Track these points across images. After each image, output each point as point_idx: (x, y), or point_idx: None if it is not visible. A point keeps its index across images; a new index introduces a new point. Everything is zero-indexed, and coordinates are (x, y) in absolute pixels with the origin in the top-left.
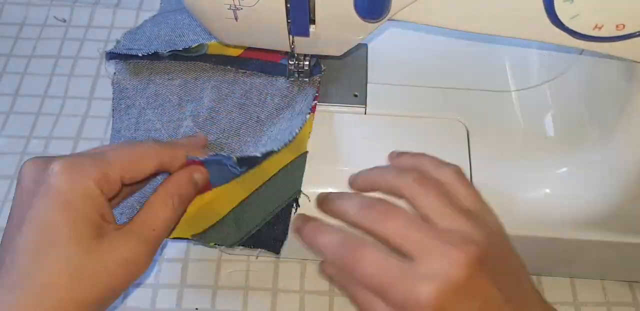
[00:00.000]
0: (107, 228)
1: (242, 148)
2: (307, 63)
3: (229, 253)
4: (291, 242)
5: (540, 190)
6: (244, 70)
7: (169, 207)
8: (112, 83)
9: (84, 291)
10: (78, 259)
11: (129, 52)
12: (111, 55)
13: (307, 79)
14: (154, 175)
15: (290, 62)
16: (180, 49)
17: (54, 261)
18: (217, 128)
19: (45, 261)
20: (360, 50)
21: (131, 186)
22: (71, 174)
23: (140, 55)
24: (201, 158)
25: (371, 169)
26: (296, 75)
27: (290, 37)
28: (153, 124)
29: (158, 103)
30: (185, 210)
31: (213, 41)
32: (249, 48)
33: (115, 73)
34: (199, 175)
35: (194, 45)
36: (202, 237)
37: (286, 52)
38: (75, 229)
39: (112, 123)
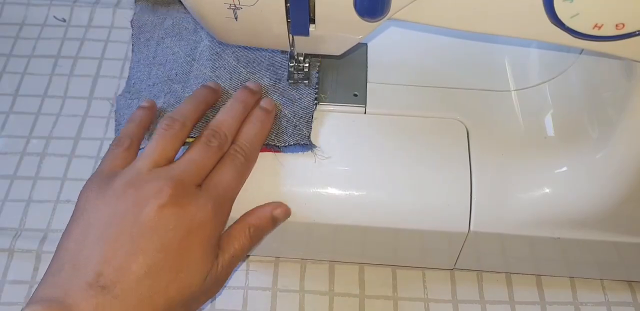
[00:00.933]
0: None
1: (257, 58)
2: (307, 65)
3: None
4: (293, 243)
5: (540, 190)
6: None
7: (246, 235)
8: (132, 22)
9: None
10: None
11: None
12: None
13: (306, 81)
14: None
15: (290, 64)
16: None
17: None
18: (234, 44)
19: None
20: (360, 50)
21: None
22: (217, 217)
23: None
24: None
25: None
26: (295, 76)
27: (290, 36)
28: (171, 49)
29: (175, 32)
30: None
31: None
32: None
33: (135, 13)
34: (280, 211)
35: None
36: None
37: (286, 52)
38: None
39: (132, 56)
